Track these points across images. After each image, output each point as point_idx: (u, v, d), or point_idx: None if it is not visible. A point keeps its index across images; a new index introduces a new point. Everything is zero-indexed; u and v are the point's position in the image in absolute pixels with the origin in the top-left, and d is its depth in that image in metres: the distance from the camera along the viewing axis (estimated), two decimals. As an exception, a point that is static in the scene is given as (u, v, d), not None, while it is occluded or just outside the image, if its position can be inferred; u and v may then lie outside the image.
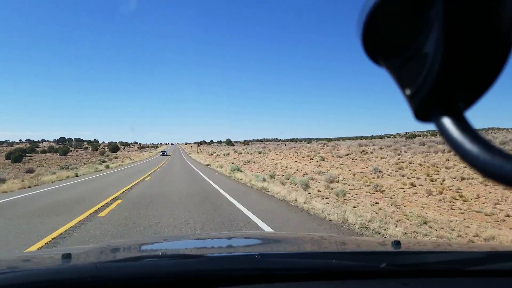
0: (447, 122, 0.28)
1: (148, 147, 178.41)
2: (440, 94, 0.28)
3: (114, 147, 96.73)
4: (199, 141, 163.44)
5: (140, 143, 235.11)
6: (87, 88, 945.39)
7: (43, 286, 0.88)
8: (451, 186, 15.66)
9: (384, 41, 0.31)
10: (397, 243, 1.30)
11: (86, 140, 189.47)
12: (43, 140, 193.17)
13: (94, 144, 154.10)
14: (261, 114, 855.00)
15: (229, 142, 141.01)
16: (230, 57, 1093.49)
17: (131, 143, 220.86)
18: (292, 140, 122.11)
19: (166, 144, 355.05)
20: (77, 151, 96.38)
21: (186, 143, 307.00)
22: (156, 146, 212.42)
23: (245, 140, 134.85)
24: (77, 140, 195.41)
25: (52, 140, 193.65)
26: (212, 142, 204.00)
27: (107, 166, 31.79)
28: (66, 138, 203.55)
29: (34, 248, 4.43)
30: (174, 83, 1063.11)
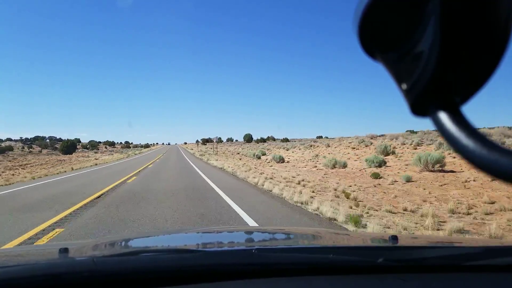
0: (443, 116, 0.28)
1: (136, 147, 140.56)
2: (436, 89, 0.28)
3: (68, 147, 58.54)
4: (205, 138, 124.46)
5: (131, 142, 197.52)
6: (86, 87, 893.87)
7: (40, 280, 0.88)
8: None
9: (381, 36, 0.31)
10: (394, 238, 1.28)
11: (64, 139, 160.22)
12: (8, 139, 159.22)
13: (70, 143, 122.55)
14: (259, 114, 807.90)
15: (249, 139, 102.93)
16: (229, 54, 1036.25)
17: (117, 142, 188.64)
18: (320, 137, 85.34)
19: (162, 144, 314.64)
20: (20, 150, 57.10)
21: (185, 143, 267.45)
22: (147, 146, 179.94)
23: (269, 137, 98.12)
24: (51, 138, 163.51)
25: (18, 138, 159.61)
26: (220, 140, 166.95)
27: None
28: (41, 136, 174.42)
29: None
30: (173, 81, 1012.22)
